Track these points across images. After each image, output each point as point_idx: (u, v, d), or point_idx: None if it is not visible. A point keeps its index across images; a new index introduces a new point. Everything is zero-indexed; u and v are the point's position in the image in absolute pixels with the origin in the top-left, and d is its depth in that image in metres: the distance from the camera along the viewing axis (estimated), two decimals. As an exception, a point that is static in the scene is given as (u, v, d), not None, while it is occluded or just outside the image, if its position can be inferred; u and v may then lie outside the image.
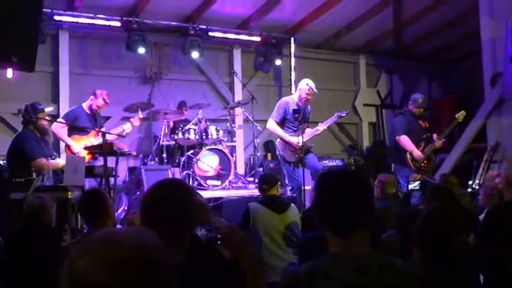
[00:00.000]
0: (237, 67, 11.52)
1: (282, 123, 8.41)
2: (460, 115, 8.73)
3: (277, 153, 8.70)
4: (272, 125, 8.47)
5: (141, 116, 8.80)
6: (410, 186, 6.55)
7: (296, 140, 8.23)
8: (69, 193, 5.96)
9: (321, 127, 8.58)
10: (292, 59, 11.87)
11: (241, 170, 10.85)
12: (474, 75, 11.08)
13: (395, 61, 13.54)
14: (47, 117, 7.35)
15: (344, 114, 8.76)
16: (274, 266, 5.42)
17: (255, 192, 8.04)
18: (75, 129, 8.08)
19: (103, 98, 8.32)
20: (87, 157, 7.72)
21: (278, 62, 11.67)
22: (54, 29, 9.83)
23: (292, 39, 11.81)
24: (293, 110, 8.37)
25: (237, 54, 11.68)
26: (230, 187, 9.35)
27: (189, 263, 2.23)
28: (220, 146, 9.51)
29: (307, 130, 8.43)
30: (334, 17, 11.17)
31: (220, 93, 11.60)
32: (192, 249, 2.28)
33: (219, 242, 2.33)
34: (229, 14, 10.84)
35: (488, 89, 9.41)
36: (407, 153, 8.72)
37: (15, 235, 4.47)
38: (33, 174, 6.12)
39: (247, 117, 10.33)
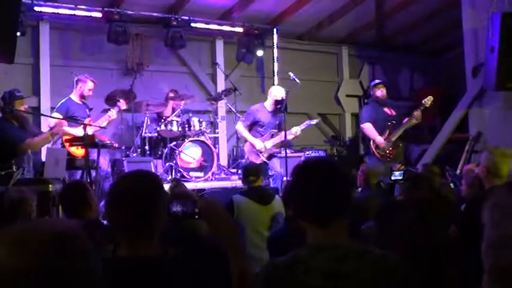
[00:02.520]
0: (220, 58, 11.47)
1: (250, 128, 8.75)
2: (427, 100, 8.78)
3: (244, 156, 9.13)
4: (240, 126, 8.98)
5: (123, 104, 8.72)
6: (394, 176, 6.57)
7: (261, 145, 8.63)
8: (50, 186, 5.91)
9: (293, 132, 8.72)
10: (275, 50, 11.84)
11: (224, 161, 10.84)
12: (456, 66, 11.14)
13: (377, 52, 13.55)
14: (25, 106, 7.21)
15: (314, 122, 8.90)
16: (259, 258, 5.42)
17: (238, 183, 8.08)
18: (68, 120, 8.01)
19: (91, 80, 8.33)
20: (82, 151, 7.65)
21: (260, 52, 11.63)
22: (34, 20, 9.71)
23: (274, 30, 11.77)
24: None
25: (220, 45, 11.62)
26: (213, 178, 9.34)
27: (166, 256, 2.21)
28: (203, 137, 9.49)
29: (281, 134, 8.67)
30: (316, 7, 11.15)
31: (202, 84, 11.55)
32: (167, 241, 2.26)
33: (196, 217, 2.30)
34: (212, 4, 10.78)
35: (470, 80, 9.46)
36: (371, 142, 8.80)
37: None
38: (14, 167, 6.07)
39: (230, 108, 10.33)
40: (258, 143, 8.58)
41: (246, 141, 8.96)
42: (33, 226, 1.34)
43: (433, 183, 4.76)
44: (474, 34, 9.32)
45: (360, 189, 6.61)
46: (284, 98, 8.62)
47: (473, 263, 3.69)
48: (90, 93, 8.41)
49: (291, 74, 9.02)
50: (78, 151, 7.72)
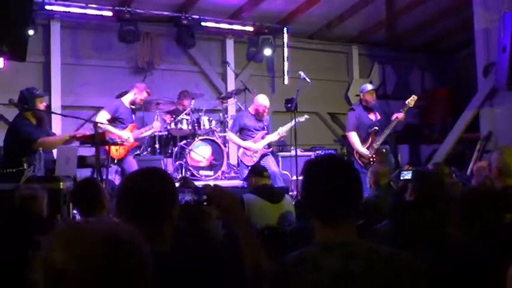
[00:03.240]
0: (230, 57, 11.48)
1: (241, 133, 8.87)
2: (411, 100, 8.76)
3: (238, 160, 9.31)
4: (230, 135, 9.10)
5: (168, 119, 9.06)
6: (403, 176, 6.54)
7: (254, 146, 8.69)
8: (61, 183, 5.91)
9: (280, 133, 8.84)
10: (285, 49, 11.83)
11: (234, 160, 10.81)
12: (467, 66, 11.10)
13: (388, 51, 13.53)
14: (44, 104, 7.20)
15: (303, 119, 8.92)
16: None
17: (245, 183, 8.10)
18: (113, 121, 8.16)
19: (146, 91, 8.52)
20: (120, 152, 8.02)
21: (271, 52, 11.62)
22: (45, 18, 9.77)
23: (285, 29, 11.77)
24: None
25: (230, 44, 11.63)
26: (223, 177, 9.35)
27: (177, 250, 2.21)
28: (213, 136, 9.50)
29: (268, 136, 8.86)
30: (327, 7, 11.14)
31: (213, 83, 11.56)
32: (180, 237, 2.25)
33: (205, 203, 2.29)
34: (222, 3, 10.79)
35: (481, 79, 9.42)
36: (355, 151, 8.76)
37: (5, 226, 4.45)
38: (25, 164, 6.08)
39: (240, 107, 10.33)
40: (252, 145, 8.64)
41: (238, 147, 9.03)
42: (88, 226, 1.32)
43: (442, 180, 4.72)
44: (486, 34, 9.28)
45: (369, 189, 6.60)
46: (267, 108, 8.80)
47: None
48: (141, 103, 8.64)
49: (301, 73, 9.03)
50: (116, 152, 7.91)
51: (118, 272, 1.26)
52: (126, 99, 8.43)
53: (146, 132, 8.58)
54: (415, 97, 8.78)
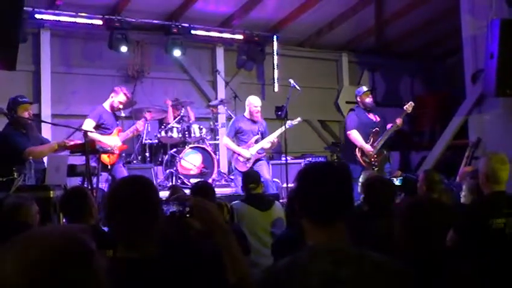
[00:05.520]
0: (220, 65, 11.51)
1: (235, 137, 8.89)
2: (409, 106, 8.97)
3: (228, 166, 9.33)
4: (225, 140, 9.11)
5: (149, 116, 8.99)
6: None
7: (248, 153, 8.73)
8: (51, 192, 5.90)
9: (270, 141, 8.85)
10: (275, 57, 11.87)
11: (224, 168, 10.83)
12: (456, 72, 11.15)
13: (377, 59, 13.59)
14: (30, 111, 7.15)
15: (296, 122, 8.96)
16: (260, 264, 5.41)
17: (239, 190, 8.10)
18: (98, 128, 8.14)
19: (124, 93, 8.36)
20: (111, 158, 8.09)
21: (261, 60, 11.66)
22: (35, 27, 9.75)
23: (274, 37, 11.81)
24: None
25: (220, 52, 11.66)
26: (214, 185, 9.33)
27: (163, 256, 2.24)
28: (203, 144, 9.51)
29: (261, 142, 8.86)
30: (317, 14, 11.19)
31: (203, 91, 11.58)
32: (165, 243, 2.29)
33: (187, 215, 2.32)
34: (212, 12, 10.82)
35: (470, 86, 9.47)
36: (357, 149, 8.81)
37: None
38: (15, 174, 6.06)
39: (230, 115, 10.35)
40: (245, 152, 8.67)
41: (233, 153, 9.02)
42: (37, 237, 1.31)
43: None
44: (473, 41, 9.33)
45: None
46: (259, 107, 8.82)
47: (473, 269, 3.69)
48: (121, 106, 8.42)
49: (291, 81, 9.08)
50: (108, 158, 7.93)
51: (66, 283, 1.24)
52: (107, 104, 8.39)
53: (132, 133, 8.50)
54: (412, 103, 8.97)
